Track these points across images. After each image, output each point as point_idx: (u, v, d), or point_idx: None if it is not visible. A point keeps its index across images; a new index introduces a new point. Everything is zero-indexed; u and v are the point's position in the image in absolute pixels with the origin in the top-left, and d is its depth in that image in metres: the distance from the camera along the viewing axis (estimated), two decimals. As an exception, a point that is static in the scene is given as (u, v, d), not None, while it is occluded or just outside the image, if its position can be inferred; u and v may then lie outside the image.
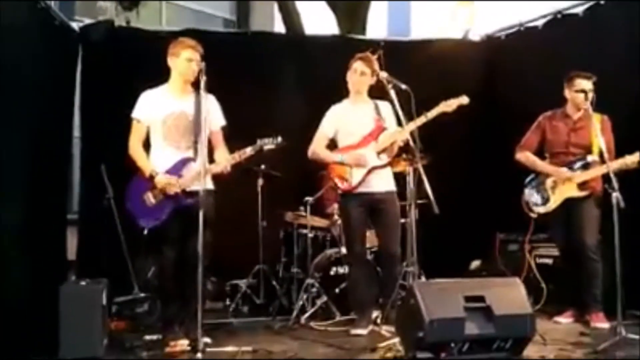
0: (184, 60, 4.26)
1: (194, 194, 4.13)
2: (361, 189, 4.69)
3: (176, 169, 4.24)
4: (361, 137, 4.75)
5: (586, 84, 4.91)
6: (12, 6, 4.22)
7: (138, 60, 5.94)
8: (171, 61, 4.33)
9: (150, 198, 4.22)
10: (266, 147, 4.26)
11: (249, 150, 4.26)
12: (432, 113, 4.50)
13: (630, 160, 4.62)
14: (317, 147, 4.87)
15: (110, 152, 5.74)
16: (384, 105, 4.74)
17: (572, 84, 5.00)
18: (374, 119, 4.76)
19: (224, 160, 4.29)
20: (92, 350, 3.96)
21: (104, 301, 4.20)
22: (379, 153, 4.70)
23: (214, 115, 4.40)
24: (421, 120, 4.48)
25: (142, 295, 5.23)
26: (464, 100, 4.57)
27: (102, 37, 5.93)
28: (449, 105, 4.54)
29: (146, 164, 4.26)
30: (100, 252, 5.59)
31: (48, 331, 4.01)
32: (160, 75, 4.48)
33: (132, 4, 6.76)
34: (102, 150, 5.84)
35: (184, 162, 4.24)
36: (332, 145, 4.90)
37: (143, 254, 5.32)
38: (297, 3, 8.63)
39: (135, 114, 4.34)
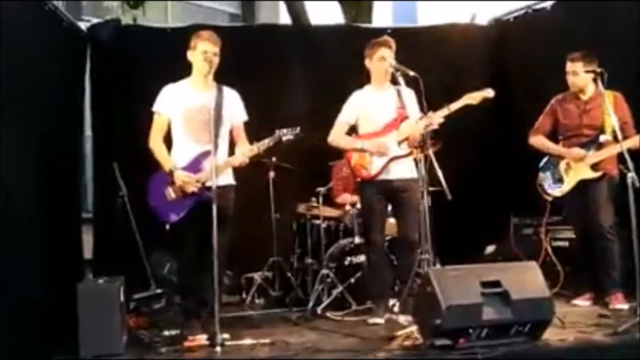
0: (200, 54, 4.27)
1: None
2: (381, 177, 4.65)
3: (197, 163, 4.25)
4: (383, 124, 4.69)
5: (573, 66, 4.90)
6: (19, 8, 4.23)
7: (146, 57, 5.97)
8: (190, 55, 4.35)
9: (170, 193, 4.24)
10: (285, 138, 4.24)
11: (267, 141, 4.25)
12: (456, 105, 4.46)
13: None
14: (338, 134, 4.79)
15: (122, 150, 5.80)
16: (406, 92, 4.63)
17: (568, 65, 4.99)
18: (397, 106, 4.68)
19: (243, 152, 4.28)
20: (111, 348, 3.97)
21: (122, 298, 4.22)
22: (400, 142, 4.65)
23: (236, 110, 4.43)
24: (444, 112, 4.43)
25: (159, 291, 5.26)
26: (490, 93, 4.51)
27: (110, 35, 5.94)
28: (474, 98, 4.48)
29: (166, 159, 4.27)
30: (116, 250, 5.62)
31: (67, 330, 4.03)
32: (169, 71, 4.50)
33: (138, 2, 6.74)
34: (114, 148, 5.87)
35: (204, 156, 4.24)
36: (352, 132, 4.84)
37: (160, 250, 5.35)
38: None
39: (156, 107, 4.36)
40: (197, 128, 4.27)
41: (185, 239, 4.29)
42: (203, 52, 4.26)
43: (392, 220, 4.97)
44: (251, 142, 4.37)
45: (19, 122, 4.16)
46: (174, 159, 4.29)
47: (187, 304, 4.40)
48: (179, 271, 4.55)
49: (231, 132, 4.43)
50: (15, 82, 4.08)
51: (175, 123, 4.34)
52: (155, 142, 4.33)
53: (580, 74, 4.87)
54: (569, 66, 4.97)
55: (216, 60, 4.27)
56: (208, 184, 4.14)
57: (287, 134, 4.23)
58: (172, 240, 4.41)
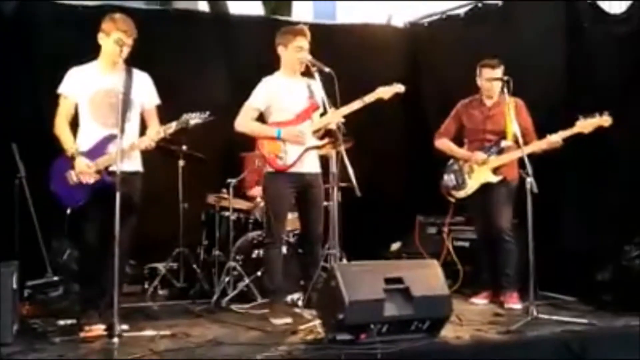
0: (113, 42, 4.12)
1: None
2: (294, 169, 4.52)
3: (101, 147, 4.12)
4: (296, 114, 4.57)
5: (494, 73, 5.06)
6: None
7: (53, 36, 5.71)
8: (101, 39, 4.19)
9: (72, 177, 4.08)
10: (192, 122, 4.12)
11: (174, 125, 4.14)
12: (369, 98, 4.47)
13: (554, 139, 4.76)
14: (246, 119, 4.56)
15: (23, 131, 5.52)
16: (315, 84, 4.55)
17: (481, 73, 5.17)
18: (307, 97, 4.60)
19: (149, 135, 4.17)
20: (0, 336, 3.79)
21: (15, 285, 4.02)
22: (313, 132, 4.57)
23: (146, 93, 4.31)
24: (358, 104, 4.44)
25: (56, 278, 5.05)
26: (400, 88, 4.56)
27: (13, 10, 5.62)
28: (386, 92, 4.52)
29: (69, 142, 4.11)
30: (13, 234, 5.35)
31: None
32: (76, 50, 4.32)
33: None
34: (14, 128, 5.58)
35: (109, 139, 4.11)
36: (260, 120, 4.66)
37: (59, 236, 5.14)
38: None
39: (62, 89, 4.19)
40: (104, 111, 4.14)
41: (86, 225, 4.14)
42: (117, 42, 4.10)
43: (292, 215, 4.92)
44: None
45: None
46: (79, 143, 4.14)
47: (86, 293, 4.25)
48: (78, 258, 4.38)
49: (142, 116, 4.31)
50: None
51: (82, 106, 4.19)
52: (60, 125, 4.16)
53: (499, 81, 4.96)
54: (488, 72, 5.09)
55: (129, 48, 4.13)
56: (112, 168, 4.02)
57: (194, 118, 4.11)
58: (73, 226, 4.25)
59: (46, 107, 4.24)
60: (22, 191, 5.23)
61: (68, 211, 4.17)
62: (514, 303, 4.93)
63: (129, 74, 4.20)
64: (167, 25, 6.28)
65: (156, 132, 4.16)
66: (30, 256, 5.02)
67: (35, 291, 4.93)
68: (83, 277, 4.37)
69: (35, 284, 4.93)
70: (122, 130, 4.02)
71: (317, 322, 3.98)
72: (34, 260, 5.08)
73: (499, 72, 5.05)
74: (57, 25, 5.77)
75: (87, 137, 4.17)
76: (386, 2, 11.09)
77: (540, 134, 4.92)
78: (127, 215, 3.97)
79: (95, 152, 4.12)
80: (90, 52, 4.24)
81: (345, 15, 12.48)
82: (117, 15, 4.19)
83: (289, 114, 4.59)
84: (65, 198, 4.15)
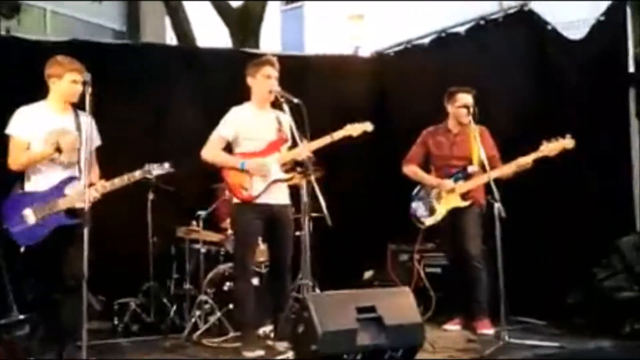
0: (68, 83, 4.12)
1: (76, 211, 4.01)
2: (261, 200, 4.53)
3: (59, 188, 4.10)
4: (264, 145, 4.58)
5: (467, 98, 5.14)
6: None
7: (19, 72, 5.63)
8: (51, 82, 4.17)
9: (30, 216, 4.04)
10: (155, 172, 4.21)
11: (137, 174, 4.17)
12: (338, 134, 4.52)
13: (524, 161, 4.83)
14: (214, 149, 4.58)
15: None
16: (283, 117, 4.57)
17: (454, 99, 5.22)
18: (276, 129, 4.62)
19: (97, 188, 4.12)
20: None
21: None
22: (281, 165, 4.58)
23: (92, 134, 4.25)
24: (326, 140, 4.49)
25: (22, 317, 4.93)
26: (369, 127, 4.62)
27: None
28: (355, 129, 4.57)
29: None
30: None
31: None
32: (41, 87, 4.28)
33: (12, 12, 6.39)
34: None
35: (67, 181, 4.10)
36: (227, 150, 4.67)
37: (22, 273, 5.03)
38: (189, 14, 8.53)
39: (14, 130, 4.13)
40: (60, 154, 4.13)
41: (42, 262, 4.08)
42: (72, 82, 4.11)
43: (262, 246, 4.93)
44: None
45: None
46: (33, 183, 4.12)
47: (49, 331, 4.17)
48: (38, 297, 4.31)
49: None
50: None
51: (36, 147, 4.14)
52: (21, 162, 4.11)
53: (470, 108, 5.03)
54: (464, 99, 5.14)
55: (81, 87, 4.08)
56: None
57: (156, 169, 4.20)
58: (30, 264, 4.17)
59: (2, 144, 4.17)
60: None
61: (22, 249, 4.09)
62: (486, 328, 4.94)
63: (76, 115, 4.20)
64: (135, 59, 6.27)
65: (102, 186, 4.12)
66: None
67: (0, 331, 4.80)
68: (42, 315, 4.29)
69: (0, 323, 4.80)
70: (80, 170, 4.05)
71: (290, 354, 3.94)
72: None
73: (470, 98, 5.13)
74: (22, 61, 5.69)
75: (45, 177, 4.13)
76: (352, 32, 11.29)
77: (506, 159, 4.99)
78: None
79: (55, 193, 4.09)
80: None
81: (313, 46, 12.64)
82: (61, 57, 4.19)
83: (257, 145, 4.59)
84: (19, 236, 4.07)
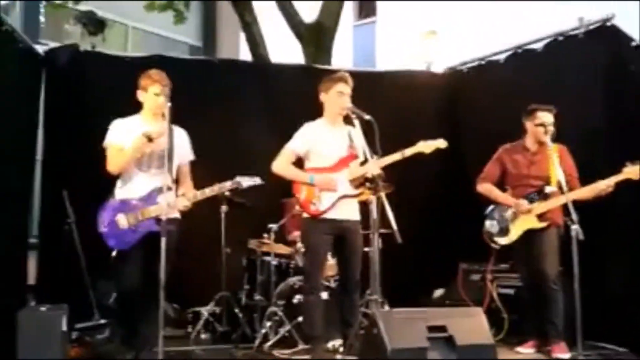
0: (152, 95, 4.33)
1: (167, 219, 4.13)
2: (330, 215, 4.58)
3: (152, 196, 4.27)
4: (335, 161, 4.64)
5: (547, 117, 5.02)
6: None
7: (103, 85, 5.92)
8: (140, 95, 4.40)
9: (122, 220, 4.22)
10: (245, 184, 4.31)
11: (228, 185, 4.30)
12: (410, 151, 4.52)
13: (604, 184, 4.67)
14: (284, 162, 4.66)
15: (72, 176, 5.70)
16: (355, 132, 4.59)
17: (534, 117, 5.10)
18: (347, 145, 4.66)
19: (188, 197, 4.28)
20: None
21: (64, 327, 4.11)
22: (350, 181, 4.61)
23: (183, 149, 4.45)
24: (397, 157, 4.49)
25: (103, 321, 5.13)
26: (442, 144, 4.60)
27: (67, 61, 5.88)
28: (427, 146, 4.57)
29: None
30: (61, 277, 5.48)
31: (6, 358, 3.90)
32: (125, 100, 4.48)
33: (97, 29, 6.69)
34: (64, 174, 5.77)
35: (159, 191, 4.26)
36: (298, 164, 4.75)
37: (106, 279, 5.24)
38: (263, 30, 8.69)
39: (110, 139, 4.34)
40: (149, 161, 4.32)
41: (128, 267, 4.24)
42: (155, 94, 4.32)
43: (331, 261, 4.96)
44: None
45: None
46: (127, 190, 4.30)
47: (129, 336, 4.32)
48: (119, 300, 4.48)
49: (176, 170, 4.44)
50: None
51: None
52: (118, 163, 4.29)
53: (550, 126, 4.94)
54: (544, 117, 5.02)
55: (166, 97, 4.26)
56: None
57: (247, 181, 4.30)
58: (120, 268, 4.34)
59: (95, 154, 4.38)
60: (71, 236, 5.38)
61: (114, 254, 4.27)
62: (562, 353, 4.81)
63: (170, 129, 4.33)
64: (211, 75, 6.45)
65: (193, 195, 4.29)
66: (79, 299, 5.14)
67: (83, 333, 5.01)
68: (122, 319, 4.46)
69: (83, 326, 5.02)
70: (173, 181, 4.20)
71: (359, 369, 3.95)
72: (82, 303, 5.18)
73: (551, 116, 5.02)
74: (105, 74, 5.98)
75: (137, 185, 4.31)
76: (425, 48, 11.24)
77: (583, 179, 4.85)
78: (166, 260, 4.06)
79: (149, 200, 4.27)
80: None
81: (385, 62, 12.65)
82: (151, 71, 4.41)
83: (327, 161, 4.65)
84: (113, 241, 4.25)
